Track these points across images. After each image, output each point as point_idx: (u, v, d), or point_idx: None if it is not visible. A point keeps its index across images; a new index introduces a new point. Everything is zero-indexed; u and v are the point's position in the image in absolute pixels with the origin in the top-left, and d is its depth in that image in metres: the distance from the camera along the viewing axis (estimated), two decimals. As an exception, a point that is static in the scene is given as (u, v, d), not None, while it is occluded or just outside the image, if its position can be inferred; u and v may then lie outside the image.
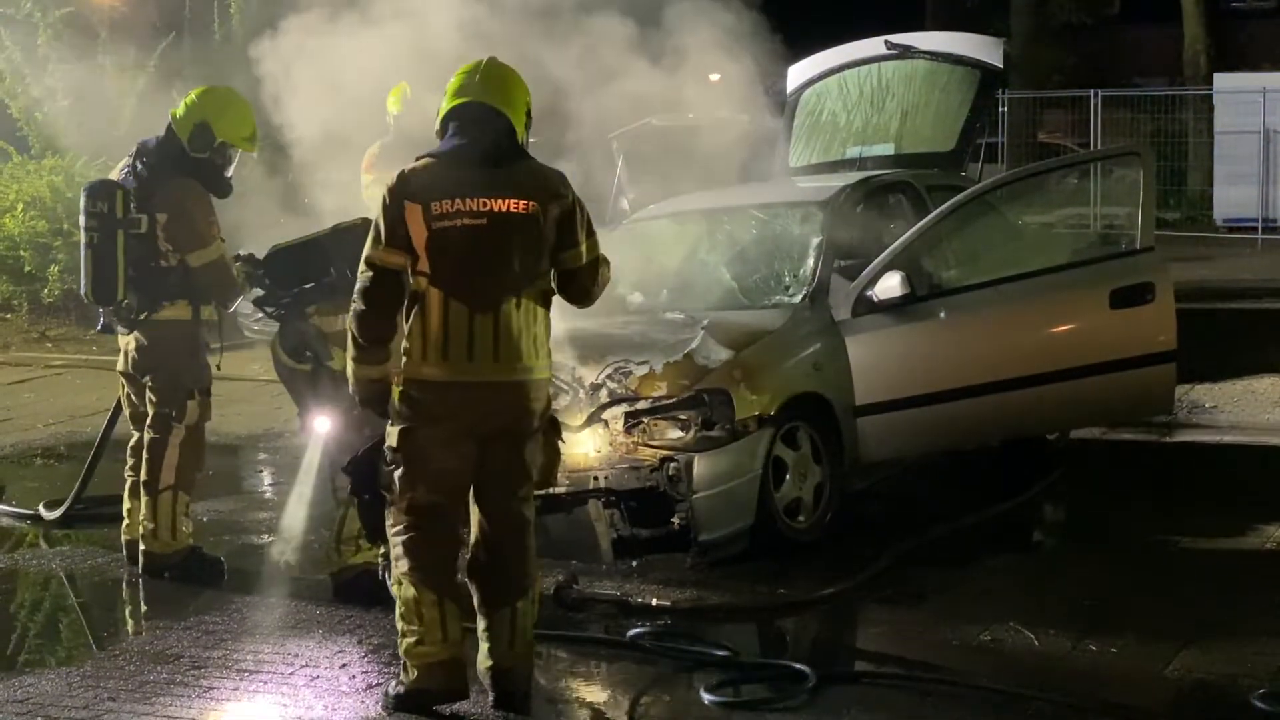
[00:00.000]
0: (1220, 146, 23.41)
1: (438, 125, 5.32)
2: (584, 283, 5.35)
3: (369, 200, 8.09)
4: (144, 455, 7.01)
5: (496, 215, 5.08)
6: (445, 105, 5.29)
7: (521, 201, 5.11)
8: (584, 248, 5.26)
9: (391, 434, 5.14)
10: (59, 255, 15.26)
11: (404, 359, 5.13)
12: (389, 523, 5.22)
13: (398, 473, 5.12)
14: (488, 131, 5.19)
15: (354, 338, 5.18)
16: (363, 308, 5.13)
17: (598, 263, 5.35)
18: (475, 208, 5.08)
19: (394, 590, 5.20)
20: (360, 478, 5.35)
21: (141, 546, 7.00)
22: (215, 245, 6.96)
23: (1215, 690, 5.24)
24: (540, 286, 5.20)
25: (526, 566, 5.26)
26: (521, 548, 5.25)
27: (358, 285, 5.17)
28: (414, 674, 5.13)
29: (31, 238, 15.69)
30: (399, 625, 5.17)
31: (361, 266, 5.16)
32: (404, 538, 5.14)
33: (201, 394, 7.04)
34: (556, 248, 5.20)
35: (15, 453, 10.45)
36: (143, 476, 7.00)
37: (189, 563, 7.00)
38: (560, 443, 5.38)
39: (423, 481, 5.10)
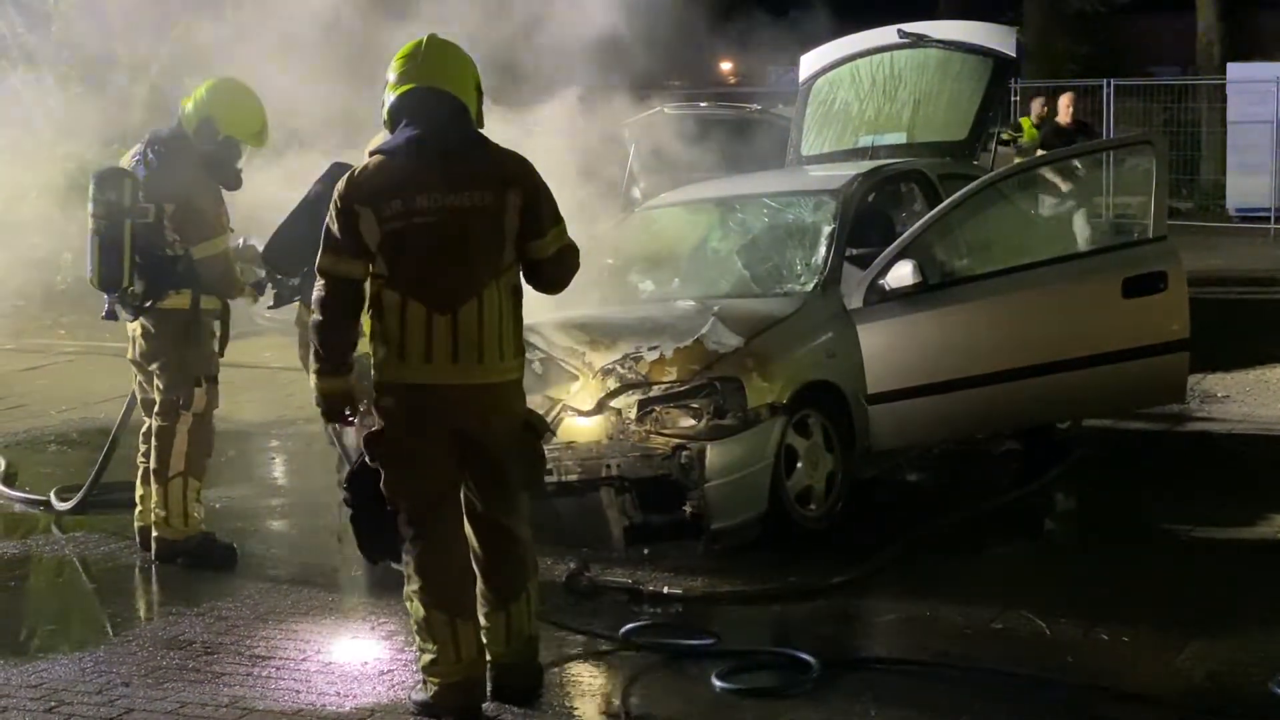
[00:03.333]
0: (1233, 136, 23.41)
1: (385, 117, 5.08)
2: (552, 273, 5.06)
3: None
4: (153, 443, 7.04)
5: (451, 211, 4.84)
6: (389, 96, 5.01)
7: (478, 193, 4.87)
8: (550, 236, 4.98)
9: (366, 439, 5.05)
10: (72, 242, 15.28)
11: (372, 362, 5.00)
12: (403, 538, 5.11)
13: (382, 480, 5.02)
14: (439, 118, 4.94)
15: (315, 350, 5.00)
16: (319, 319, 4.97)
17: (565, 251, 5.05)
18: (428, 205, 4.84)
19: (407, 606, 5.09)
20: (359, 491, 5.29)
21: (154, 533, 7.03)
22: (221, 238, 6.96)
23: (1227, 678, 5.23)
24: (507, 281, 4.95)
25: (515, 575, 5.12)
26: (508, 558, 5.10)
27: (314, 295, 5.01)
28: (431, 691, 5.04)
29: (44, 224, 15.72)
30: (416, 639, 5.09)
31: (318, 276, 4.98)
32: (413, 553, 5.00)
33: (209, 381, 7.05)
34: (521, 238, 4.93)
35: (29, 439, 10.46)
36: (152, 464, 7.03)
37: (201, 549, 7.03)
38: (541, 447, 5.17)
39: (404, 486, 4.99)
